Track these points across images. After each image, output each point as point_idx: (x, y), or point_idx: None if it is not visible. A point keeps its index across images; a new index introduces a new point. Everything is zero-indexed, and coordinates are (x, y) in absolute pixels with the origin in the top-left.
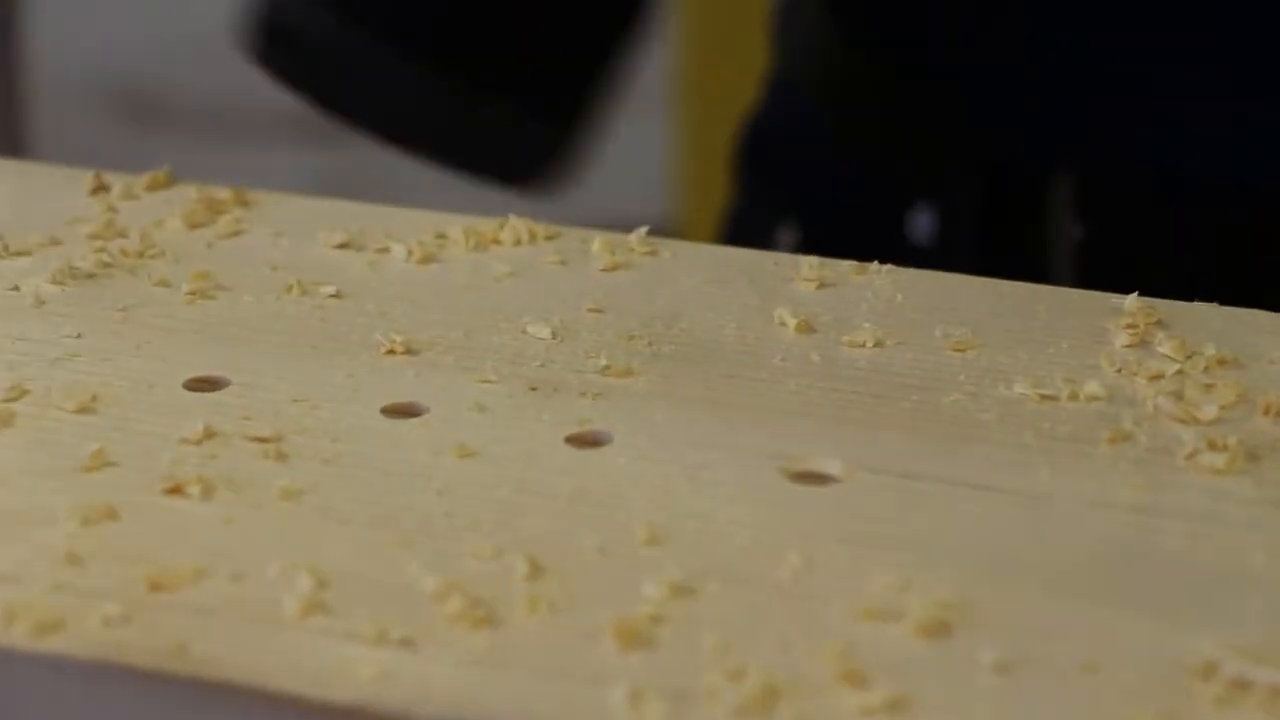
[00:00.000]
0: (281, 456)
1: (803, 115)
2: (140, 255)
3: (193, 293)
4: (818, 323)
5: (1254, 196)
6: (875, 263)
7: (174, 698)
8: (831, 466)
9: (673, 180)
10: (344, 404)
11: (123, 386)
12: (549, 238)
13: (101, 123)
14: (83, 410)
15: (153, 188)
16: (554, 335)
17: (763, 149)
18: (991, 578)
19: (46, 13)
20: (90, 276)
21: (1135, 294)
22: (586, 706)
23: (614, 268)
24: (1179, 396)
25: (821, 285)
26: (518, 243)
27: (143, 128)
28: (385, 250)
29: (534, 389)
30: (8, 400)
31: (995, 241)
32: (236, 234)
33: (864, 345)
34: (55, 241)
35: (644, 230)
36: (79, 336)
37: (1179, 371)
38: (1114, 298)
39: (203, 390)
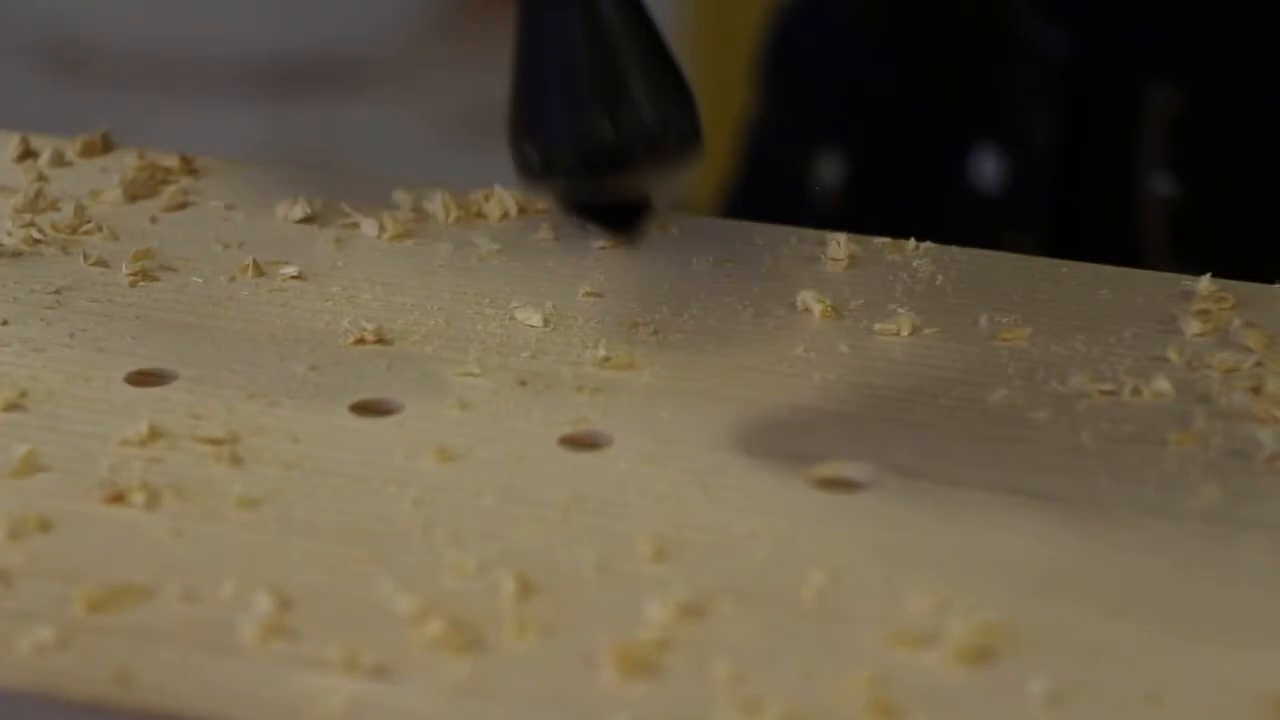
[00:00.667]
0: (236, 460)
1: (845, 8)
2: (74, 231)
3: (134, 274)
4: (846, 308)
5: None
6: (912, 240)
7: None
8: (861, 472)
9: None
10: (307, 401)
11: (55, 380)
12: (541, 211)
13: (26, 77)
14: (10, 408)
15: (87, 153)
16: (546, 322)
17: (794, 50)
18: (1041, 598)
19: None
20: (16, 255)
21: (1209, 275)
22: None
23: (614, 245)
24: (1257, 392)
25: (851, 264)
26: (505, 216)
27: (75, 82)
28: (353, 225)
29: (523, 383)
30: None
31: (1071, 192)
32: (183, 206)
33: (899, 334)
34: None
35: None
36: (4, 324)
37: (1258, 364)
38: (1185, 280)
39: (147, 385)
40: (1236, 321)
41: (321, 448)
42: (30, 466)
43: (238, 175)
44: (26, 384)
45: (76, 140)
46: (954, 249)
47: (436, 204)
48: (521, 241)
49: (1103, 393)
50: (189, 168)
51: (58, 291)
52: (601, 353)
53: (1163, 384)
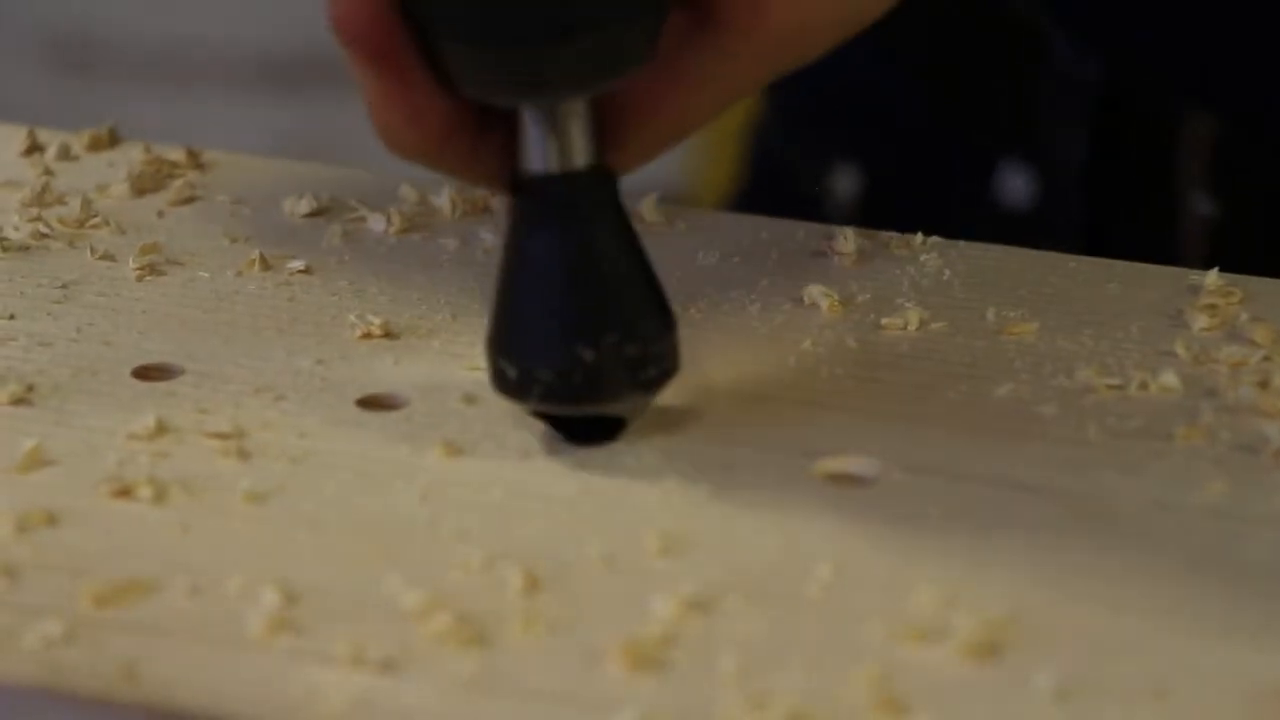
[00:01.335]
0: (243, 455)
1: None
2: (81, 225)
3: (141, 268)
4: (853, 302)
5: None
6: (919, 235)
7: None
8: (868, 467)
9: (687, 141)
10: (313, 395)
11: (62, 375)
12: None
13: (33, 71)
14: (17, 402)
15: (94, 147)
16: None
17: None
18: (1048, 592)
19: None
20: (24, 249)
21: (1215, 270)
22: None
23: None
24: (1265, 386)
25: (858, 258)
26: None
27: (81, 77)
28: (360, 220)
29: None
30: None
31: (1105, 210)
32: (190, 200)
33: (906, 328)
34: None
35: (654, 197)
36: (11, 318)
37: (1265, 358)
38: (1192, 274)
39: (153, 379)
40: (1244, 316)
41: (328, 442)
42: (37, 461)
43: (244, 170)
44: (33, 378)
45: (83, 134)
46: (961, 243)
47: (443, 198)
48: None
49: (1110, 387)
50: (195, 162)
51: (64, 286)
52: None
53: (1170, 378)
